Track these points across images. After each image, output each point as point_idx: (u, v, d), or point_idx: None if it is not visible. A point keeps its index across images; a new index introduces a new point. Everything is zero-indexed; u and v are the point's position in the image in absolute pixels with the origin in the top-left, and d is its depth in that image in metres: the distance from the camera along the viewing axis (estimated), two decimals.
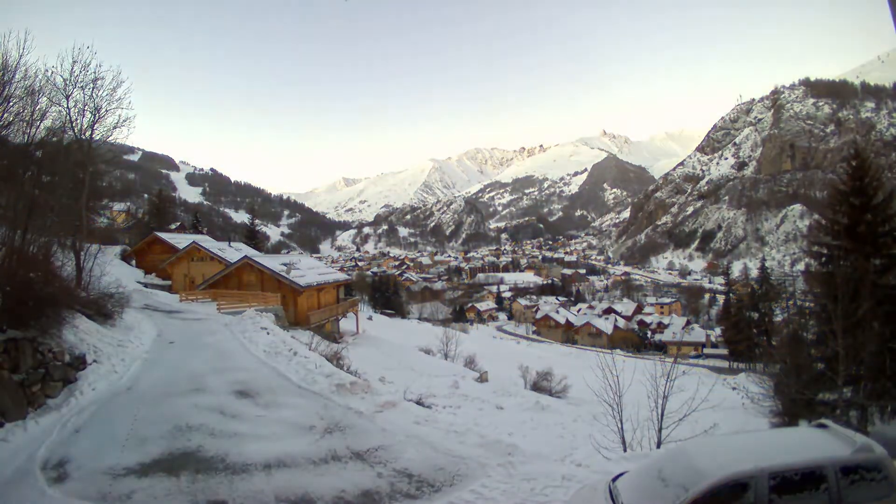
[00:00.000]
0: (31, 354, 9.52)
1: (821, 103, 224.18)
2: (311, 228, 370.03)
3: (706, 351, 67.15)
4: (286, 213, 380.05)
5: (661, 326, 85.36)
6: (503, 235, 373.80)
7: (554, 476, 7.50)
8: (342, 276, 39.08)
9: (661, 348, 70.10)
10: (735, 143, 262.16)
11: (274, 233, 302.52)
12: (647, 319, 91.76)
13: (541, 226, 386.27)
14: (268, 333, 16.38)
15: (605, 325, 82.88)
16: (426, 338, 40.17)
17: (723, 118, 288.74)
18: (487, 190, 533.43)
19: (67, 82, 16.34)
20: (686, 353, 63.36)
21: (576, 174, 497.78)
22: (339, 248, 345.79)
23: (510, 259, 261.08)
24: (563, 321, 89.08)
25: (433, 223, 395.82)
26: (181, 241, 36.96)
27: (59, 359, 10.33)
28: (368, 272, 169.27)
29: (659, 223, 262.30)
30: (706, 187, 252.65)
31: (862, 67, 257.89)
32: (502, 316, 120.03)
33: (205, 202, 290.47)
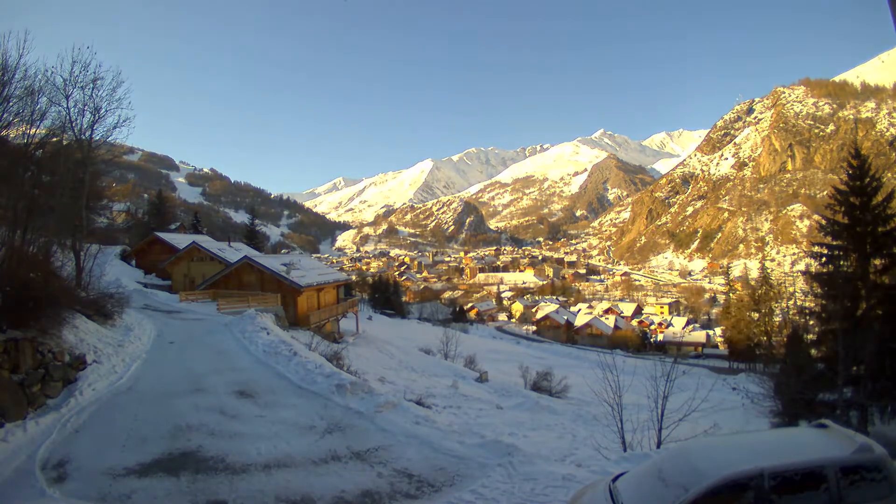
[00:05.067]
0: (31, 354, 9.51)
1: (821, 103, 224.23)
2: (311, 228, 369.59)
3: (706, 351, 67.11)
4: (286, 213, 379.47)
5: (662, 326, 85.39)
6: (503, 235, 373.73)
7: (554, 476, 7.49)
8: (342, 276, 39.09)
9: (662, 348, 70.03)
10: (735, 143, 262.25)
11: (274, 233, 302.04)
12: (648, 319, 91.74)
13: (541, 226, 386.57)
14: (268, 334, 16.38)
15: (606, 326, 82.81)
16: (426, 338, 40.14)
17: (723, 118, 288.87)
18: (487, 190, 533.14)
19: (67, 82, 16.28)
20: (686, 353, 63.36)
21: (576, 174, 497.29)
22: (340, 249, 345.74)
23: (510, 259, 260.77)
24: (563, 321, 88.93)
25: (433, 223, 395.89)
26: (181, 241, 36.94)
27: (59, 359, 10.33)
28: (368, 272, 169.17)
29: (659, 223, 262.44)
30: (706, 187, 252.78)
31: (862, 67, 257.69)
32: (502, 316, 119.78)
33: (204, 202, 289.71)
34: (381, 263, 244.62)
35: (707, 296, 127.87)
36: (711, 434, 9.71)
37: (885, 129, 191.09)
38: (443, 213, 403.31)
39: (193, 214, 70.91)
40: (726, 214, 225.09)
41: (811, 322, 17.25)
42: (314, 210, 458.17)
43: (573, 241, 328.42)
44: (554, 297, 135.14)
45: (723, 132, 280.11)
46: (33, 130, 13.54)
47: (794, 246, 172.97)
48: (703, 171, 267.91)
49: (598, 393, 10.55)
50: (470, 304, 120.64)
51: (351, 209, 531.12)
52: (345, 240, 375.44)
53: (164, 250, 36.33)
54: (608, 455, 8.70)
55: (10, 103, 12.35)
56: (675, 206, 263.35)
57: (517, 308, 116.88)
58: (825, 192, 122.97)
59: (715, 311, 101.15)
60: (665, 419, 9.81)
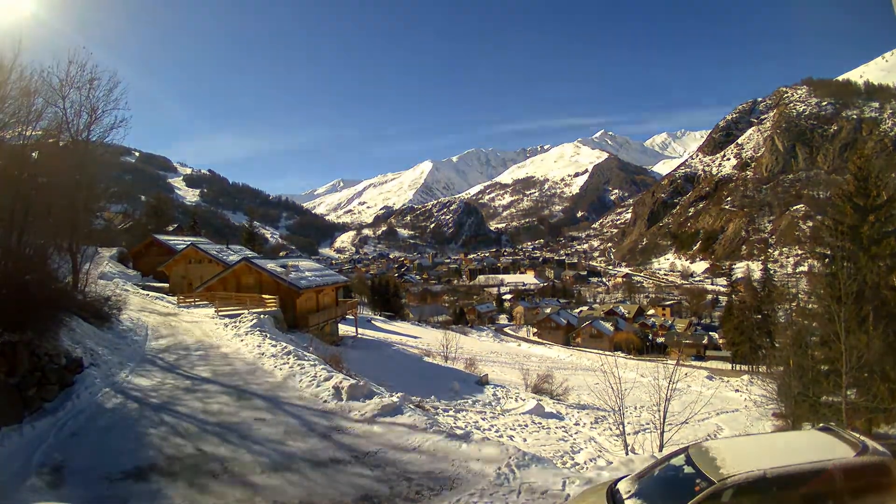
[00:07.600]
0: (27, 357, 9.43)
1: (824, 103, 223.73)
2: (310, 230, 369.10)
3: (708, 353, 66.86)
4: (285, 214, 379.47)
5: (663, 328, 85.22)
6: (503, 237, 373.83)
7: (555, 479, 7.40)
8: (341, 278, 38.96)
9: (663, 350, 69.89)
10: (738, 144, 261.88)
11: (272, 235, 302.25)
12: (649, 321, 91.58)
13: (541, 227, 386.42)
14: (266, 336, 16.31)
15: (607, 328, 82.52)
16: (426, 340, 40.10)
17: (725, 118, 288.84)
18: (487, 191, 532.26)
19: (63, 83, 16.21)
20: (688, 354, 63.15)
21: (576, 175, 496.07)
22: (339, 250, 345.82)
23: (510, 261, 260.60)
24: (564, 323, 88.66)
25: (433, 225, 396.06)
26: (179, 243, 36.92)
27: (56, 362, 10.23)
28: (368, 274, 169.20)
29: (661, 224, 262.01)
30: (708, 188, 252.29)
31: (865, 67, 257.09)
32: (503, 318, 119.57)
33: (202, 204, 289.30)
34: (380, 265, 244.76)
35: (709, 297, 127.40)
36: (714, 437, 9.62)
37: (888, 129, 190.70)
38: (442, 215, 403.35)
39: (191, 216, 71.02)
40: (729, 215, 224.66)
41: (814, 324, 17.15)
42: (313, 211, 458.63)
43: (574, 243, 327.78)
44: (555, 299, 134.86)
45: (725, 132, 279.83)
46: (30, 131, 13.46)
47: (797, 247, 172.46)
48: (705, 171, 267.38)
49: (599, 396, 10.47)
50: (470, 306, 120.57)
51: (350, 210, 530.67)
52: (344, 241, 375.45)
53: (162, 252, 36.30)
54: (610, 458, 8.61)
55: (6, 104, 12.28)
56: (677, 207, 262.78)
57: (518, 310, 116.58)
58: (828, 193, 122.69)
59: (717, 312, 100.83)
60: (667, 422, 9.73)
